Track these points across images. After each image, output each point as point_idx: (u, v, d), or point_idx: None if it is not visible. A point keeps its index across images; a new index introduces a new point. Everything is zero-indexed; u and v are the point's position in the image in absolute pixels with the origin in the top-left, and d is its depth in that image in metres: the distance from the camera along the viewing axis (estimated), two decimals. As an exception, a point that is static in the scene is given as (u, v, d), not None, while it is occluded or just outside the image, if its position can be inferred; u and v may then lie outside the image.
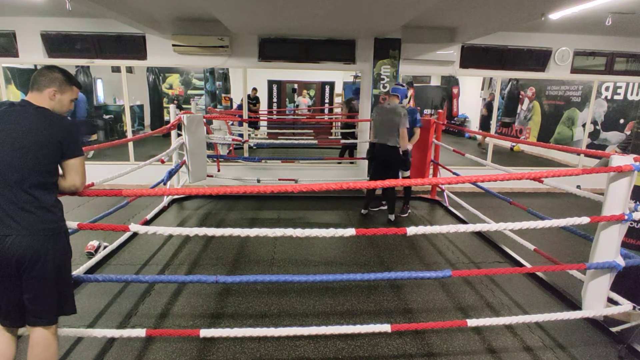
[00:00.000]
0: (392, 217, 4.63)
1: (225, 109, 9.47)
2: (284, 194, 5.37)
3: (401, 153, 4.40)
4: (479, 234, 4.25)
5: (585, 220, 2.05)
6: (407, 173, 4.82)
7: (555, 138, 8.98)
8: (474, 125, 12.57)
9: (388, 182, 1.99)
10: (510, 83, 9.82)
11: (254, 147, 8.17)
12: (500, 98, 9.92)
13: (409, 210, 4.97)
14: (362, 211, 4.84)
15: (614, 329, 2.47)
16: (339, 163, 6.79)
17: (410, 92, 5.44)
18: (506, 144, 10.12)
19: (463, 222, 4.65)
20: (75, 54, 5.62)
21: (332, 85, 11.98)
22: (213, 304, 2.76)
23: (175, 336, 2.35)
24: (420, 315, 2.70)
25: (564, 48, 6.02)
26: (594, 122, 7.90)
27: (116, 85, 9.25)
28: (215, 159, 5.88)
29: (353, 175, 6.20)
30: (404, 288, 3.05)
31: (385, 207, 5.04)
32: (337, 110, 11.69)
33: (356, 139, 6.89)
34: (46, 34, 5.48)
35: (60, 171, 1.72)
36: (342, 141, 7.03)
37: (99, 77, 10.31)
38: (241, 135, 7.26)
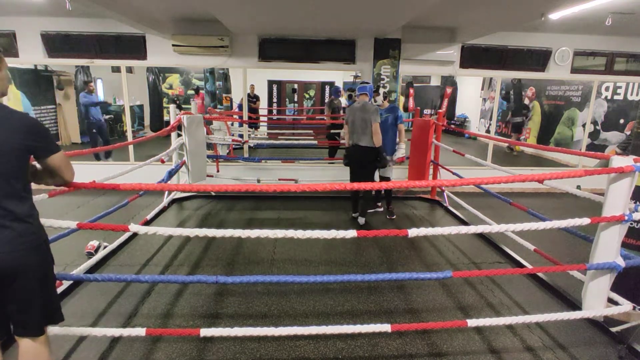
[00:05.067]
0: (362, 220, 4.47)
1: (226, 109, 9.45)
2: (284, 194, 5.37)
3: (377, 151, 4.23)
4: (480, 235, 4.25)
5: (585, 221, 2.05)
6: (389, 172, 4.71)
7: (555, 138, 8.97)
8: (473, 125, 12.57)
9: (386, 185, 1.99)
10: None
11: (254, 147, 8.17)
12: (500, 98, 9.92)
13: (393, 210, 4.82)
14: (353, 215, 4.70)
15: (614, 329, 2.48)
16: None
17: (381, 90, 5.36)
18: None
19: (463, 222, 4.66)
20: (75, 54, 5.62)
21: (332, 85, 11.97)
22: (213, 305, 2.76)
23: (175, 336, 2.35)
24: (421, 316, 2.69)
25: (564, 48, 6.02)
26: (594, 122, 7.90)
27: (116, 85, 9.25)
28: (214, 159, 5.88)
29: (353, 175, 6.18)
30: (404, 288, 3.05)
31: (381, 210, 5.03)
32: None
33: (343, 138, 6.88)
34: (46, 34, 5.48)
35: (39, 165, 1.61)
36: (342, 141, 7.03)
37: (99, 77, 10.31)
38: (241, 136, 7.24)
